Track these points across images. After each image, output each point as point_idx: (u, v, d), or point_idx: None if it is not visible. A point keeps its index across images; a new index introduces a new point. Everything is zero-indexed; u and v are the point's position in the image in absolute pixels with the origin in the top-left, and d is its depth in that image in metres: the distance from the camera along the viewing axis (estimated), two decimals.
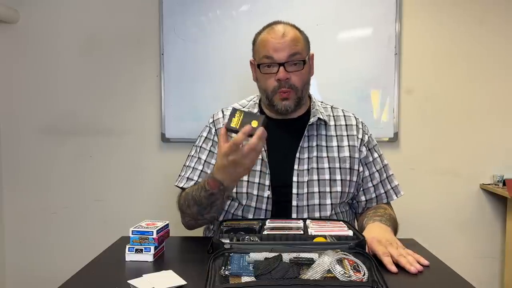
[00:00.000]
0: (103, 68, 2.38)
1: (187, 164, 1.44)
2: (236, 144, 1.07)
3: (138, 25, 2.36)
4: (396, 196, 1.45)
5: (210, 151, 1.41)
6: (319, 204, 1.34)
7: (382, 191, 1.43)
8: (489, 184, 2.33)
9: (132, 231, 1.10)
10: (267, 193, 1.33)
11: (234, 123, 1.08)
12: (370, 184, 1.42)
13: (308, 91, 1.42)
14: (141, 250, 1.08)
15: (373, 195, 1.43)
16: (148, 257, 1.08)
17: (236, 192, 1.35)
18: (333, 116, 1.45)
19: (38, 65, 2.38)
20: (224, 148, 1.08)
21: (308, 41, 1.38)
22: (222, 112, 1.46)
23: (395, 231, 1.29)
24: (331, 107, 1.48)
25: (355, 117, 1.47)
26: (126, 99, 2.39)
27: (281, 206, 1.33)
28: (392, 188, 1.45)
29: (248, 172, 1.17)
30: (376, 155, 1.45)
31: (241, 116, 1.09)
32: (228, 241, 0.99)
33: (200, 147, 1.43)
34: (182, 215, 1.36)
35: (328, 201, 1.35)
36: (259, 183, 1.34)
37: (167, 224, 1.18)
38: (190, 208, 1.29)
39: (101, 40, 2.37)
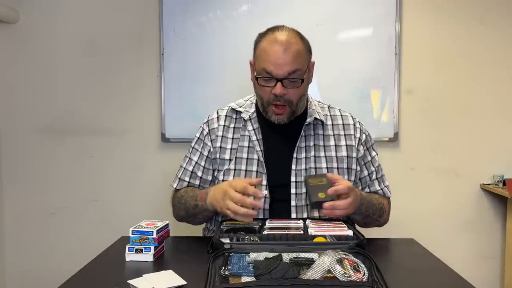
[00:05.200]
0: (103, 68, 2.38)
1: (181, 165, 1.47)
2: (245, 185, 1.15)
3: (138, 25, 2.36)
4: (390, 193, 1.46)
5: (200, 152, 1.43)
6: None
7: (383, 186, 1.44)
8: (489, 184, 2.33)
9: (132, 231, 1.10)
10: (264, 192, 1.33)
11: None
12: (369, 181, 1.43)
13: (304, 99, 1.38)
14: (141, 250, 1.08)
15: (376, 189, 1.43)
16: (148, 257, 1.08)
17: None
18: (330, 115, 1.45)
19: (38, 65, 2.38)
20: (237, 182, 1.18)
21: (310, 50, 1.35)
22: (217, 112, 1.47)
23: (366, 208, 1.30)
24: (328, 107, 1.48)
25: (352, 116, 1.47)
26: (126, 99, 2.39)
27: (280, 206, 1.34)
28: (385, 186, 1.45)
29: (220, 210, 1.22)
30: (374, 153, 1.46)
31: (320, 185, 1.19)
32: (228, 241, 0.99)
33: (193, 147, 1.46)
34: (173, 211, 1.46)
35: None
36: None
37: (167, 224, 1.18)
38: (179, 211, 1.40)
39: (101, 40, 2.37)
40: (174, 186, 1.45)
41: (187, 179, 1.43)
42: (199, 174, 1.41)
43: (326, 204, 1.13)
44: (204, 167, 1.41)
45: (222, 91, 2.28)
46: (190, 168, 1.43)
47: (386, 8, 2.28)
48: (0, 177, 2.42)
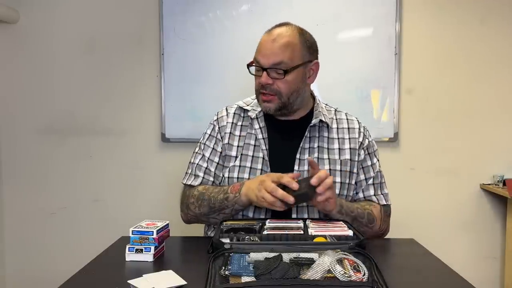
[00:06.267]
0: (103, 68, 2.38)
1: (192, 161, 1.45)
2: (281, 174, 1.19)
3: (138, 25, 2.36)
4: (387, 202, 1.43)
5: (213, 148, 1.43)
6: None
7: (379, 192, 1.42)
8: (489, 184, 2.33)
9: (132, 231, 1.10)
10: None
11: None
12: (365, 185, 1.41)
13: (300, 98, 1.37)
14: (141, 250, 1.08)
15: (370, 194, 1.41)
16: (148, 257, 1.08)
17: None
18: (336, 119, 1.45)
19: (38, 65, 2.38)
20: (274, 173, 1.22)
21: (310, 48, 1.35)
22: (226, 110, 1.47)
23: (348, 208, 1.28)
24: (335, 110, 1.48)
25: (358, 121, 1.47)
26: (126, 99, 2.39)
27: None
28: (383, 194, 1.43)
29: (255, 198, 1.23)
30: (375, 160, 1.44)
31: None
32: (228, 241, 0.99)
33: (204, 144, 1.45)
34: (186, 211, 1.39)
35: None
36: None
37: (167, 224, 1.18)
38: (200, 208, 1.34)
39: (101, 40, 2.37)
40: (189, 182, 1.41)
41: (201, 174, 1.40)
42: (213, 170, 1.40)
43: (320, 188, 1.14)
44: (218, 163, 1.41)
45: (222, 91, 2.28)
46: (204, 165, 1.41)
47: (386, 8, 2.28)
48: (0, 177, 2.42)
